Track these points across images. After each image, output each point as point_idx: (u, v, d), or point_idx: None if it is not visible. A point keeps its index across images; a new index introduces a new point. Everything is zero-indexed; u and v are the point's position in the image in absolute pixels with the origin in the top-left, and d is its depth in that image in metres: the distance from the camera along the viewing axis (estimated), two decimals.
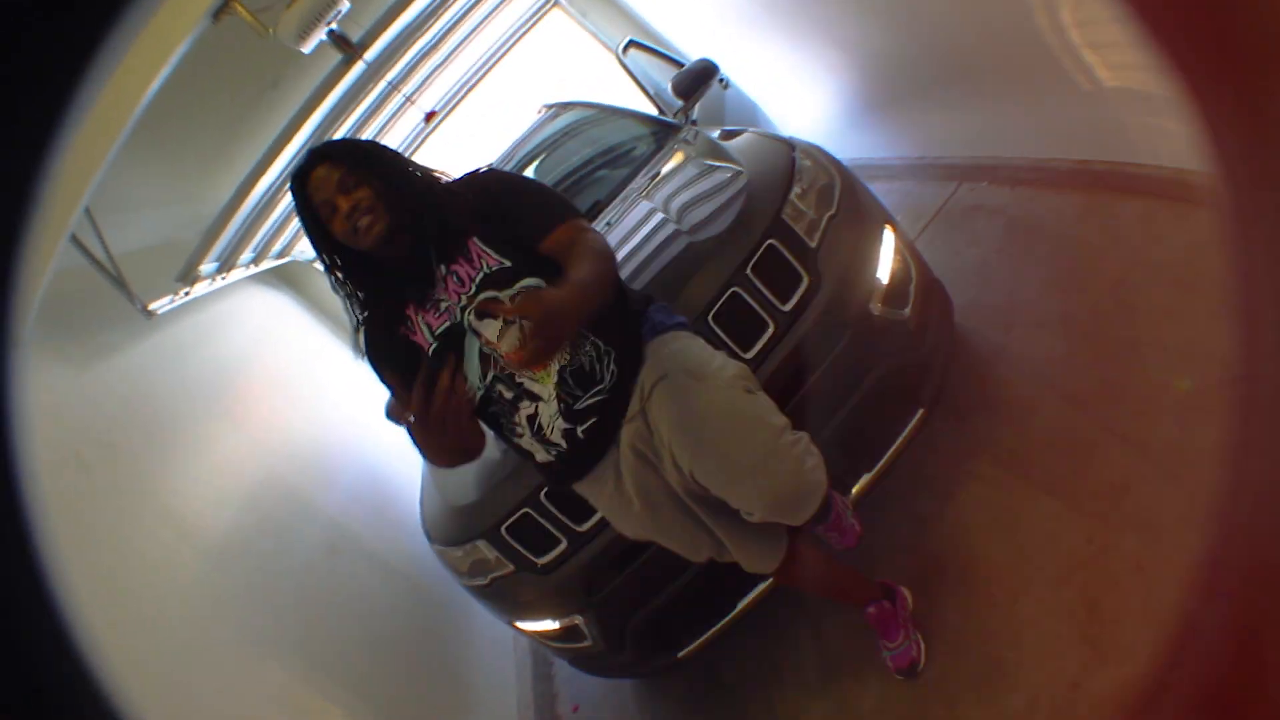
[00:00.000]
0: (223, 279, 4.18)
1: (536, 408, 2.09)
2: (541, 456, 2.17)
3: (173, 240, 4.36)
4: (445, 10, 4.49)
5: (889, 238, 2.88)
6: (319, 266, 6.15)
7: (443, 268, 2.08)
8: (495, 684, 3.97)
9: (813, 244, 2.72)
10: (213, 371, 4.18)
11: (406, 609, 3.89)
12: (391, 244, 2.04)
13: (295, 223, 5.13)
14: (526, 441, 2.15)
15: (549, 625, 2.91)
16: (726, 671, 3.18)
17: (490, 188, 2.19)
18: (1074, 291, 3.18)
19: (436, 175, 2.18)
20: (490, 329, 2.05)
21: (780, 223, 2.73)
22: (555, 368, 2.05)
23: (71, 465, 2.70)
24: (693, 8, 5.58)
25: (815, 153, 3.05)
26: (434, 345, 2.09)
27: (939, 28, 3.66)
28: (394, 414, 4.01)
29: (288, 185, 2.12)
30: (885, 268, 2.81)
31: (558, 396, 2.07)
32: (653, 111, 4.44)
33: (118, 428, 3.06)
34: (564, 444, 2.12)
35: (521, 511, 2.74)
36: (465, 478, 2.94)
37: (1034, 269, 3.49)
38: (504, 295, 2.04)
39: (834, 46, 4.60)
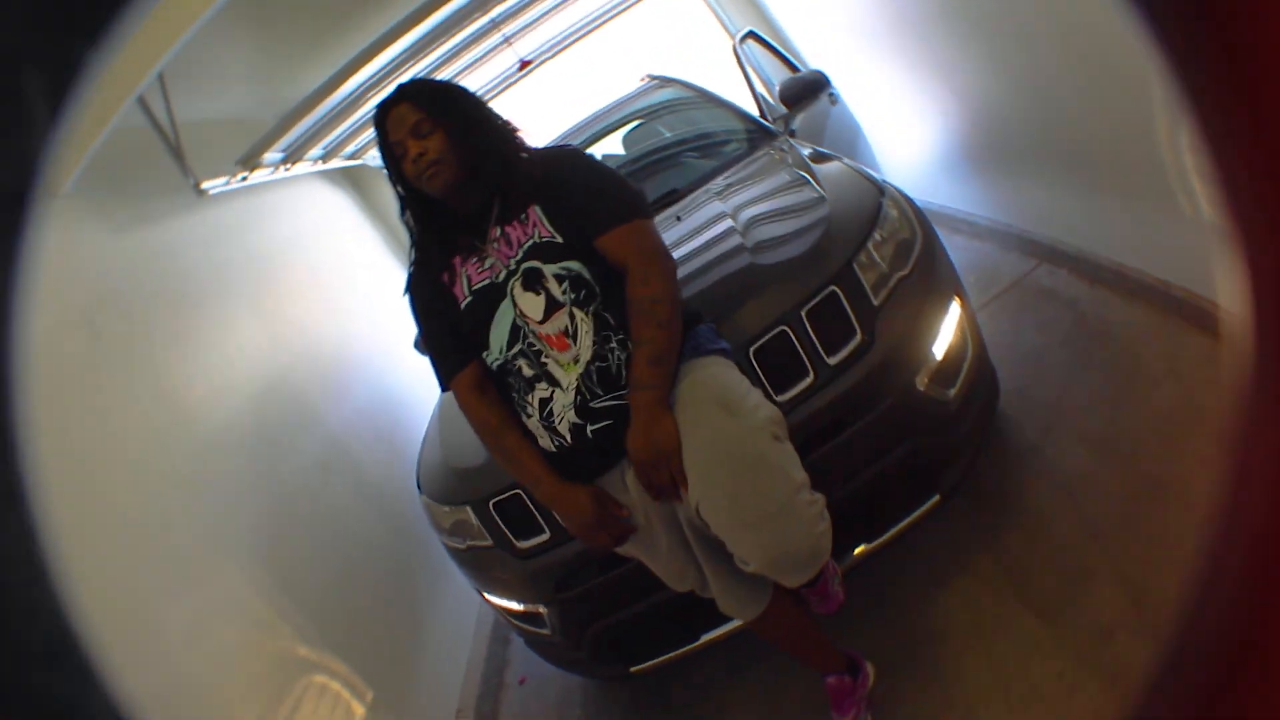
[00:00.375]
0: (286, 170, 4.14)
1: (552, 393, 2.04)
2: (544, 443, 2.12)
3: (243, 119, 4.33)
4: None
5: (954, 311, 2.77)
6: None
7: (498, 228, 2.07)
8: (452, 636, 3.95)
9: (876, 301, 2.60)
10: (252, 260, 4.16)
11: (383, 543, 3.87)
12: (454, 195, 2.06)
13: (372, 131, 5.09)
14: (534, 424, 2.11)
15: (513, 605, 2.87)
16: (676, 693, 3.14)
17: (565, 163, 2.17)
18: (1121, 412, 3.07)
19: (515, 132, 2.17)
20: (528, 303, 2.02)
21: (849, 270, 2.61)
22: (584, 359, 2.01)
23: (82, 327, 2.69)
24: (823, 15, 5.44)
25: (903, 203, 2.93)
26: (468, 300, 2.08)
27: (1060, 104, 3.52)
28: (422, 347, 3.99)
29: (373, 119, 2.12)
30: (943, 343, 2.69)
31: (577, 388, 2.02)
32: (754, 110, 4.32)
33: (139, 299, 3.05)
34: (569, 439, 2.07)
35: (513, 492, 2.68)
36: (471, 441, 2.90)
37: (1089, 375, 3.38)
38: (547, 269, 2.02)
39: (952, 91, 4.46)
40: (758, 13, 6.34)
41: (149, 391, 2.91)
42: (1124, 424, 3.02)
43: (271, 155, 3.97)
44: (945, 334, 2.71)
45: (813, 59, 5.42)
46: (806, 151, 3.49)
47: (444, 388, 2.22)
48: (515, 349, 2.05)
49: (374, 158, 6.05)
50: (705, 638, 2.77)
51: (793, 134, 3.90)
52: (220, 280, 3.77)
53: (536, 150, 2.20)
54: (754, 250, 2.76)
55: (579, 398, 2.02)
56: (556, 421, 2.06)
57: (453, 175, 2.03)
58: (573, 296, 2.01)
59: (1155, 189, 3.00)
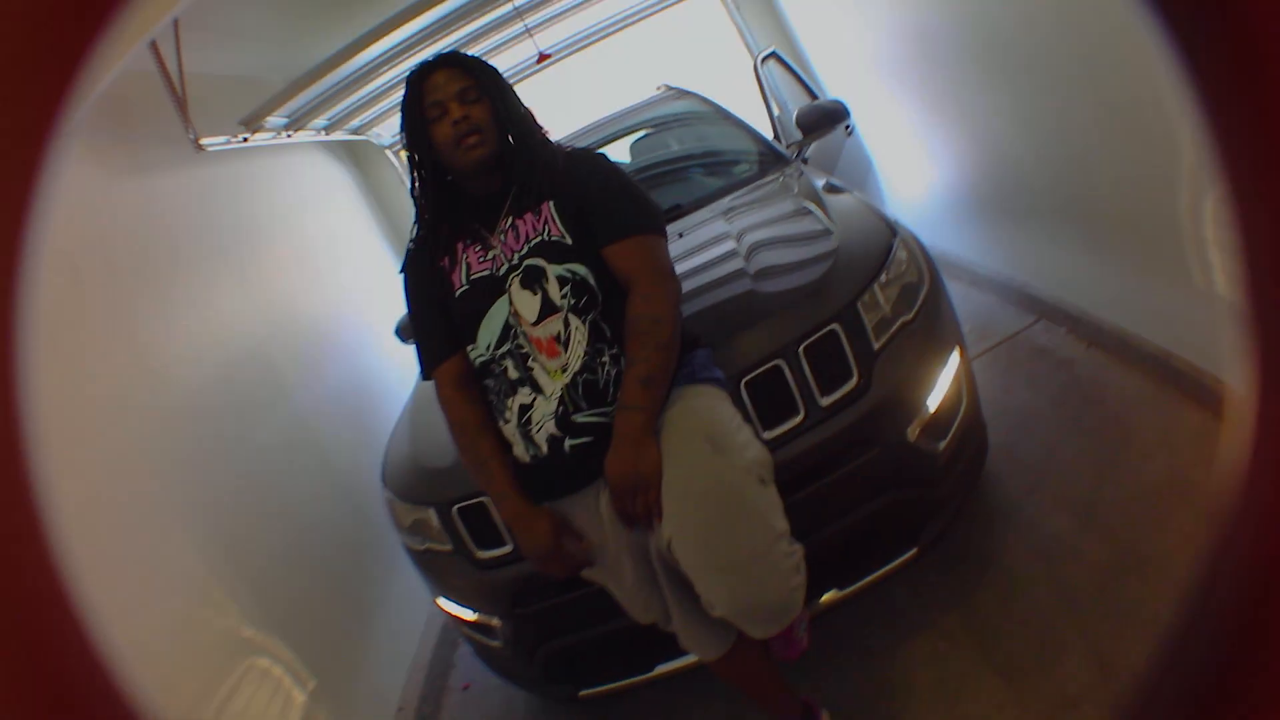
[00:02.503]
0: (288, 136, 4.04)
1: (534, 400, 1.96)
2: (519, 452, 2.03)
3: (253, 79, 4.24)
4: None
5: (953, 362, 2.69)
6: (393, 158, 6.00)
7: (509, 218, 2.02)
8: (400, 632, 3.86)
9: (876, 345, 2.53)
10: (243, 223, 4.08)
11: (339, 531, 3.77)
12: (481, 171, 2.01)
13: (381, 105, 4.98)
14: (510, 430, 2.02)
15: (466, 614, 2.78)
16: None
17: (587, 164, 2.10)
18: (1108, 481, 3.01)
19: (539, 125, 2.12)
20: (524, 302, 1.95)
21: (853, 310, 2.53)
22: (572, 369, 1.94)
23: (66, 273, 2.61)
24: (848, 41, 5.37)
25: (914, 245, 2.85)
26: (464, 289, 2.02)
27: (1078, 159, 3.46)
28: (404, 334, 3.90)
29: (406, 78, 2.05)
30: (938, 395, 2.61)
31: (561, 398, 1.94)
32: (768, 132, 4.25)
33: (125, 248, 2.98)
34: (545, 450, 1.98)
35: (480, 500, 2.59)
36: (442, 440, 2.81)
37: (1078, 439, 3.31)
38: (550, 269, 1.95)
39: (969, 134, 4.40)
40: (781, 32, 6.26)
41: (124, 344, 2.83)
42: (1109, 493, 2.96)
43: (275, 119, 3.88)
44: (941, 386, 2.63)
45: (832, 86, 5.35)
46: (820, 182, 3.41)
47: (425, 376, 2.14)
48: (503, 348, 1.98)
49: (378, 134, 5.92)
50: (660, 669, 2.68)
51: (805, 161, 3.83)
52: (209, 240, 3.69)
53: (560, 145, 2.15)
54: (756, 277, 2.68)
55: (561, 408, 1.94)
56: (534, 430, 1.97)
57: (490, 148, 1.98)
58: (571, 302, 1.94)
59: (1167, 256, 2.96)
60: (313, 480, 3.74)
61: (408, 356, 4.48)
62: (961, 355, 2.76)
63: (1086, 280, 3.82)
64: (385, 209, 6.46)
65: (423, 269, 2.10)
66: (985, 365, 3.99)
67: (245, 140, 3.67)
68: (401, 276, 2.18)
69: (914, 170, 5.12)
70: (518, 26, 4.24)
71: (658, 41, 6.31)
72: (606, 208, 2.01)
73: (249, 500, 3.22)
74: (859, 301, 2.55)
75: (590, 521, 2.04)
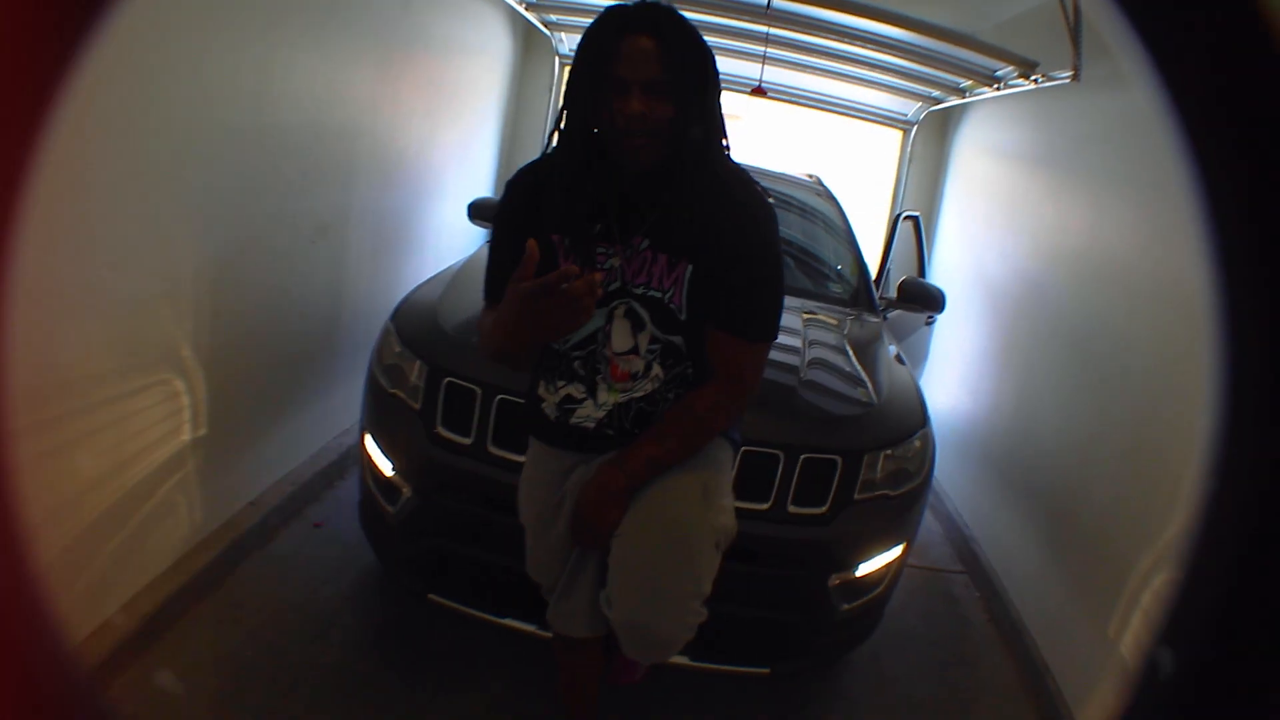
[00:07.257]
0: None
1: (585, 399, 2.03)
2: (548, 408, 2.08)
3: None
4: (848, 41, 4.44)
5: (895, 552, 2.91)
6: (557, 69, 5.91)
7: (646, 242, 1.92)
8: (296, 442, 3.88)
9: (856, 495, 2.75)
10: (404, 24, 4.16)
11: (315, 325, 3.83)
12: (636, 170, 1.87)
13: (592, 35, 4.90)
14: (548, 395, 2.07)
15: (385, 467, 2.85)
16: (435, 641, 3.16)
17: (749, 233, 1.90)
18: None
19: (729, 146, 1.94)
20: (620, 332, 1.97)
21: (858, 457, 2.75)
22: (632, 394, 2.00)
23: None
24: (973, 245, 5.57)
25: (929, 444, 3.06)
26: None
27: (1092, 470, 3.57)
28: (474, 214, 3.99)
29: (601, 16, 1.80)
30: (868, 566, 2.83)
31: (610, 411, 2.02)
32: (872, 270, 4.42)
33: None
34: (572, 427, 2.05)
35: (475, 387, 2.71)
36: (469, 314, 2.90)
37: (937, 686, 3.53)
38: (649, 325, 1.95)
39: (1017, 390, 4.56)
40: (929, 198, 6.43)
41: (225, 47, 2.79)
42: None
43: None
44: (876, 562, 2.85)
45: (937, 272, 5.49)
46: (892, 349, 3.62)
47: (491, 300, 2.02)
48: (580, 351, 2.00)
49: (561, 40, 5.96)
50: (506, 621, 2.76)
51: (885, 318, 4.01)
52: (361, 11, 3.72)
53: (737, 176, 1.95)
54: (803, 383, 2.89)
55: (605, 417, 2.02)
56: (570, 416, 2.05)
57: (655, 157, 1.82)
58: (658, 360, 1.99)
59: (1108, 595, 3.10)
60: (321, 270, 3.79)
61: (466, 234, 4.58)
62: (904, 552, 2.97)
63: (1030, 569, 3.93)
64: (518, 108, 6.45)
65: (524, 225, 1.91)
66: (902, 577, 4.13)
67: None
68: (494, 221, 2.10)
69: (954, 388, 5.25)
70: (758, 46, 4.26)
71: (829, 130, 6.62)
72: (735, 299, 1.93)
73: (260, 250, 3.25)
74: (866, 454, 2.77)
75: (561, 475, 2.12)
